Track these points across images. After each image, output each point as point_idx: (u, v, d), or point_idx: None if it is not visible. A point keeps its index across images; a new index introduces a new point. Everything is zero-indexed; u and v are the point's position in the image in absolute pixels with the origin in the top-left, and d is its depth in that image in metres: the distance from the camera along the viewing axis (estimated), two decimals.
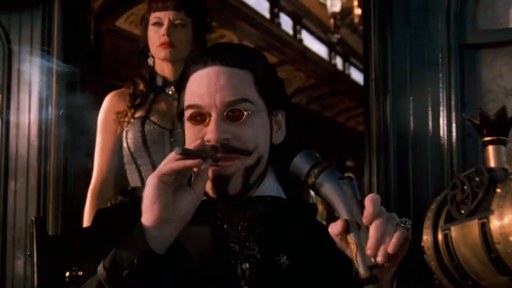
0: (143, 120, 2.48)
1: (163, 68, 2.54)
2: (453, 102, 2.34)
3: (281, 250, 1.35)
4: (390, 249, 1.07)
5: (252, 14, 5.69)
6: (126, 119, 2.49)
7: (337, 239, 1.13)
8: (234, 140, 1.28)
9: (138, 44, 2.73)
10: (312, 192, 1.32)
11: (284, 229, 1.37)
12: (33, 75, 2.66)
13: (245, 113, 1.26)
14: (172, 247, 1.27)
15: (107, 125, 2.52)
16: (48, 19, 2.76)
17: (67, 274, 1.45)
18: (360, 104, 9.44)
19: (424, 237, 0.96)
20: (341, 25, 5.89)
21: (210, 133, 1.25)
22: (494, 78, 2.39)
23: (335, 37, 6.49)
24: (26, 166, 2.66)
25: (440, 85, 2.36)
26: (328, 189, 1.15)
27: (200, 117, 1.29)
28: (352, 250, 1.11)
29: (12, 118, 2.63)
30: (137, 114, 2.49)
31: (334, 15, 5.63)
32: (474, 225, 0.85)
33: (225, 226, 1.35)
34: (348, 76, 8.61)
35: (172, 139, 2.48)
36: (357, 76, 8.75)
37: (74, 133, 2.70)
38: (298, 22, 6.54)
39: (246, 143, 1.30)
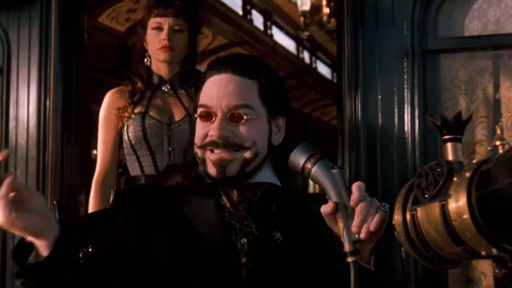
0: (143, 115, 2.56)
1: (159, 68, 2.62)
2: (416, 101, 2.42)
3: (275, 228, 1.49)
4: (371, 228, 1.21)
5: (226, 11, 5.65)
6: (127, 114, 2.56)
7: (327, 218, 1.27)
8: (234, 137, 1.44)
9: (122, 40, 2.79)
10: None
11: (278, 210, 1.51)
12: (32, 71, 2.67)
13: (245, 117, 1.42)
14: (182, 224, 1.45)
15: (109, 119, 2.60)
16: (46, 16, 2.72)
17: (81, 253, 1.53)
18: (325, 96, 9.47)
19: (395, 217, 1.07)
20: (310, 23, 5.91)
21: (213, 130, 1.42)
22: (452, 79, 2.49)
23: (304, 34, 6.50)
24: (26, 156, 2.66)
25: (405, 86, 2.44)
26: (322, 177, 1.29)
27: (207, 116, 1.44)
28: (339, 227, 1.25)
29: (12, 112, 2.65)
30: (137, 110, 2.57)
31: (304, 13, 5.62)
32: (435, 207, 0.96)
33: (227, 206, 1.49)
34: (315, 69, 8.60)
35: (170, 133, 2.57)
36: (323, 69, 8.75)
37: (70, 125, 2.72)
38: (269, 19, 6.52)
39: (243, 141, 1.45)
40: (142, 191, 1.67)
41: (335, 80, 9.62)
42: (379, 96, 2.46)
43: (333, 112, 10.64)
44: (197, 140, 1.51)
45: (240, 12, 6.04)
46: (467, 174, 0.92)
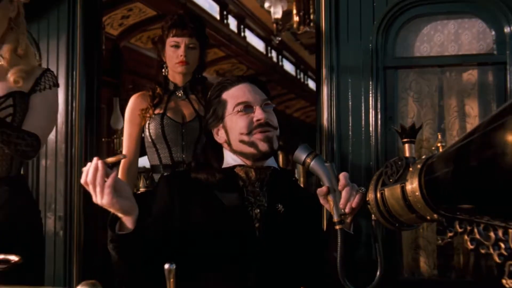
0: (162, 116, 2.71)
1: (175, 77, 2.77)
2: (379, 106, 2.55)
3: (279, 202, 1.76)
4: (353, 205, 1.49)
5: (206, 17, 5.67)
6: (148, 114, 2.70)
7: (321, 198, 1.53)
8: (270, 120, 1.76)
9: (115, 43, 2.93)
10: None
11: (281, 188, 1.80)
12: (59, 76, 2.78)
13: (272, 106, 1.79)
14: (212, 200, 1.71)
15: (134, 119, 2.76)
16: (72, 28, 2.84)
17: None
18: (290, 91, 9.50)
19: (369, 195, 1.28)
20: (282, 29, 5.81)
21: (259, 115, 1.74)
22: (406, 89, 2.63)
23: (277, 39, 6.41)
24: (55, 148, 2.79)
25: (370, 94, 2.57)
26: (318, 169, 1.56)
27: (249, 108, 1.75)
28: (330, 205, 1.51)
29: None
30: (156, 111, 2.72)
31: (276, 21, 5.60)
32: (397, 188, 1.16)
33: (246, 185, 1.76)
34: (282, 67, 8.57)
35: (183, 130, 2.73)
36: (288, 67, 8.74)
37: (92, 121, 2.89)
38: (242, 23, 6.44)
39: (274, 123, 1.78)
40: (181, 176, 1.88)
41: (298, 77, 9.63)
42: (350, 102, 2.59)
43: (296, 105, 10.58)
44: (243, 128, 1.75)
45: (218, 17, 6.00)
46: (418, 166, 1.10)
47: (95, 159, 1.45)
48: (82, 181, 1.46)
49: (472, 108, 2.56)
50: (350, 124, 2.58)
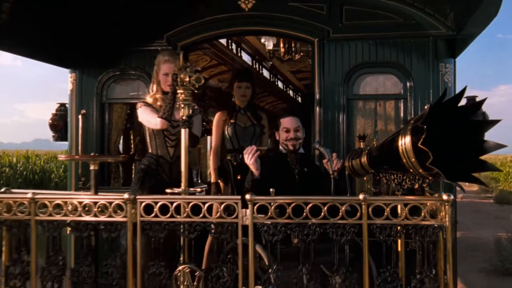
0: (234, 124, 4.42)
1: (240, 103, 4.54)
2: (345, 119, 4.33)
3: (304, 167, 3.76)
4: (338, 166, 3.52)
5: (219, 45, 6.66)
6: (228, 122, 4.43)
7: (324, 163, 3.57)
8: (296, 136, 3.71)
9: (223, 91, 4.85)
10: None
11: (304, 161, 3.76)
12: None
13: (300, 129, 3.77)
14: (277, 170, 3.65)
15: (219, 125, 4.49)
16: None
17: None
18: (265, 91, 11.18)
19: (346, 164, 3.42)
20: (273, 56, 7.09)
21: (292, 135, 3.68)
22: (358, 111, 4.44)
23: (268, 64, 8.18)
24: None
25: (341, 115, 4.35)
26: (323, 151, 3.57)
27: (287, 130, 3.70)
28: (328, 166, 3.50)
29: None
30: (231, 121, 4.42)
31: (269, 51, 6.93)
32: (357, 161, 3.29)
33: (290, 162, 3.74)
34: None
35: (245, 131, 4.42)
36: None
37: None
38: (239, 46, 7.55)
39: (299, 136, 3.72)
40: (271, 158, 3.72)
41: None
42: (329, 114, 4.43)
43: (268, 99, 12.27)
44: (283, 139, 3.68)
45: (225, 44, 7.09)
46: (365, 151, 3.22)
47: (253, 146, 3.37)
48: (246, 151, 3.34)
49: (390, 123, 4.47)
50: (330, 130, 4.52)
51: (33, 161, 17.18)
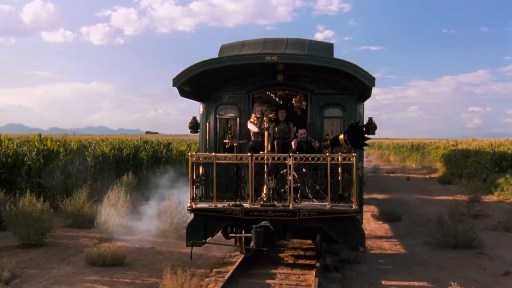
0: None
1: (281, 118, 10.83)
2: (320, 128, 10.54)
3: (307, 145, 10.22)
4: (317, 145, 10.16)
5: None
6: (276, 126, 10.90)
7: (314, 144, 10.15)
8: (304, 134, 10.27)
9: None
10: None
11: (306, 143, 10.23)
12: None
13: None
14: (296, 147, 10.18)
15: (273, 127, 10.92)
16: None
17: None
18: None
19: (322, 143, 10.08)
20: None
21: (303, 134, 10.15)
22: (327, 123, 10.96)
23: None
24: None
25: (319, 123, 10.57)
26: (312, 140, 10.12)
27: (301, 133, 10.19)
28: (315, 145, 10.14)
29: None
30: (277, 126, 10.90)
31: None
32: (328, 142, 9.89)
33: (301, 142, 10.19)
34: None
35: (283, 131, 10.88)
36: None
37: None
38: None
39: (305, 134, 10.22)
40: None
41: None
42: (315, 123, 10.71)
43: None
44: (298, 135, 10.11)
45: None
46: (328, 139, 9.69)
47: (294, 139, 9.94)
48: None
49: (337, 129, 10.74)
50: (315, 130, 10.92)
51: (6, 144, 16.96)
